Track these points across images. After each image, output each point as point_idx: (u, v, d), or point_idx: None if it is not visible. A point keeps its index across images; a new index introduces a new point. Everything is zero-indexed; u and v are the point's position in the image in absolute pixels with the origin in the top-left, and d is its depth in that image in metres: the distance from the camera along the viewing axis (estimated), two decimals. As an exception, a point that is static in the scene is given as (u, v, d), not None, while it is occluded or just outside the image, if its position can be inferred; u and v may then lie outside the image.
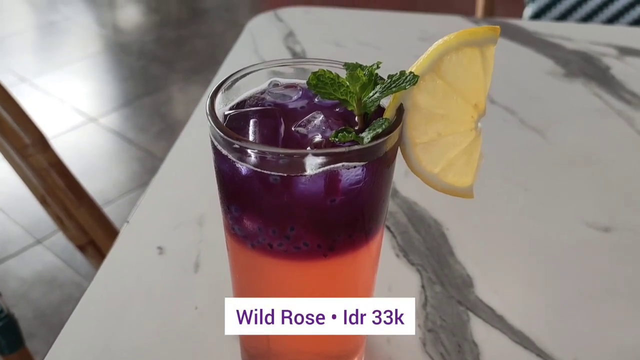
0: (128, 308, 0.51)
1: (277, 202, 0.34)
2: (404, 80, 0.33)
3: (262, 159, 0.32)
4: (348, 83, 0.34)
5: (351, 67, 0.35)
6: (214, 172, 0.37)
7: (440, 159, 0.36)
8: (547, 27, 0.95)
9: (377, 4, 2.94)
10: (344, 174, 0.33)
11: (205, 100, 0.44)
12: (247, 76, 0.38)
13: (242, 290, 0.41)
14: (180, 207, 0.61)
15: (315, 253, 0.36)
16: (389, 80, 0.34)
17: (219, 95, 0.36)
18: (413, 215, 0.60)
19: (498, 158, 0.68)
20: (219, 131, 0.33)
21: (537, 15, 1.28)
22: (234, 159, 0.33)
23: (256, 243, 0.36)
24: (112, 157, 2.28)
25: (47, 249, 1.93)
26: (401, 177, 0.64)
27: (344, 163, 0.32)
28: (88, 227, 0.92)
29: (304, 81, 0.38)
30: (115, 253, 0.56)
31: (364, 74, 0.34)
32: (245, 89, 0.38)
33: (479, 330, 0.49)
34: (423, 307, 0.51)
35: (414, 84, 0.33)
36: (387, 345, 0.48)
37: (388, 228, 0.59)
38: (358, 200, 0.35)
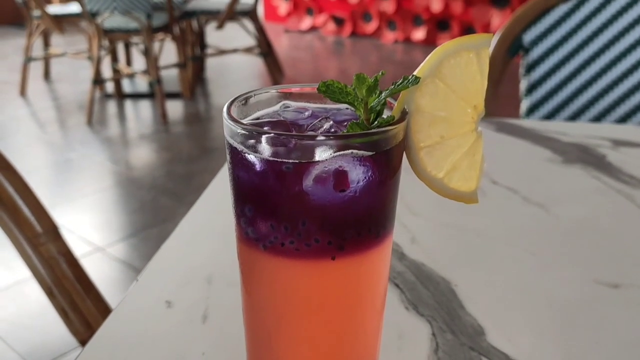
0: (134, 352, 0.50)
1: (290, 193, 0.35)
2: (407, 82, 0.36)
3: (275, 146, 0.34)
4: (355, 91, 0.37)
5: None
6: (229, 183, 0.39)
7: (445, 162, 0.38)
8: (542, 125, 1.00)
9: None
10: (353, 163, 0.35)
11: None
12: (260, 95, 0.41)
13: (252, 302, 0.40)
14: (189, 267, 0.61)
15: (326, 251, 0.36)
16: (393, 85, 0.37)
17: (235, 108, 0.39)
18: (421, 274, 0.60)
19: (502, 228, 0.69)
20: (236, 125, 0.35)
21: (533, 128, 1.34)
22: (249, 152, 0.35)
23: (268, 244, 0.37)
24: (117, 284, 2.27)
25: (44, 377, 1.87)
26: (408, 244, 0.65)
27: (352, 151, 0.34)
28: (93, 321, 0.91)
29: (313, 105, 0.41)
30: (123, 306, 0.56)
31: (370, 79, 0.37)
32: (259, 109, 0.41)
33: (493, 372, 0.48)
34: (435, 352, 0.50)
35: (416, 84, 0.36)
36: (399, 386, 0.47)
37: (397, 285, 0.59)
38: (366, 196, 0.36)
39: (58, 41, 5.30)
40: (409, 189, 0.78)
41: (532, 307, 0.56)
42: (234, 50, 4.20)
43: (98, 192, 2.92)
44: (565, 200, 0.76)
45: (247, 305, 0.41)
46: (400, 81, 0.36)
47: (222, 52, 4.23)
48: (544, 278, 0.60)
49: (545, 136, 0.93)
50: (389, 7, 5.31)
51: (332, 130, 0.37)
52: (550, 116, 1.38)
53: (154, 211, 2.77)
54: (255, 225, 0.37)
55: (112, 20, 3.52)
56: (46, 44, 4.40)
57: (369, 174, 0.35)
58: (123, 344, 0.51)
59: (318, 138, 0.34)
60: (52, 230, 0.88)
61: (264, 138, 0.34)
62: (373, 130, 0.34)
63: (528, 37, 1.35)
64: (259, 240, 0.37)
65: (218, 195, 0.76)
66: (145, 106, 4.01)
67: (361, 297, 0.39)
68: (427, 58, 0.37)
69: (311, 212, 0.36)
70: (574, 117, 1.37)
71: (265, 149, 0.35)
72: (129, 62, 4.34)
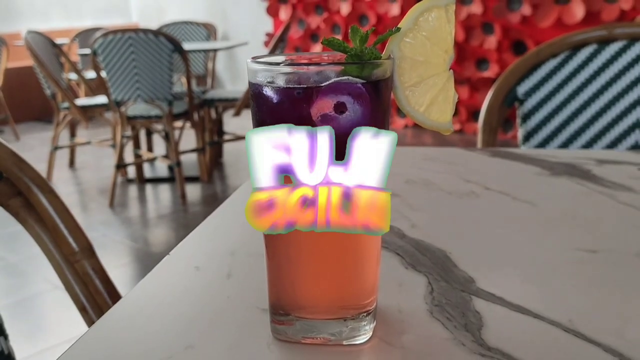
0: (169, 298, 0.57)
1: (300, 115, 0.44)
2: (391, 32, 0.46)
3: (288, 75, 0.44)
4: (351, 43, 0.47)
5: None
6: (252, 118, 0.48)
7: (424, 98, 0.47)
8: (533, 151, 1.09)
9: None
10: (349, 89, 0.44)
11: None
12: (275, 59, 0.51)
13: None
14: (214, 245, 0.70)
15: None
16: (381, 35, 0.47)
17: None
18: (419, 246, 0.68)
19: (493, 217, 0.77)
20: (259, 64, 0.45)
21: (532, 171, 1.42)
22: (268, 84, 0.45)
23: (283, 162, 0.46)
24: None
25: None
26: (408, 228, 0.73)
27: (349, 77, 0.44)
28: (121, 335, 0.97)
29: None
30: (157, 270, 0.64)
31: (363, 32, 0.47)
32: (275, 70, 0.51)
33: (481, 305, 0.55)
34: (430, 293, 0.57)
35: (397, 32, 0.46)
36: (398, 313, 0.54)
37: (397, 253, 0.66)
38: (360, 119, 0.45)
39: (83, 133, 5.56)
40: (410, 194, 0.86)
41: (519, 266, 0.63)
42: (250, 136, 4.38)
43: (118, 267, 3.00)
44: (552, 198, 0.83)
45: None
46: (387, 32, 0.46)
47: (238, 137, 4.42)
48: (530, 247, 0.68)
49: (536, 158, 1.02)
50: (398, 94, 5.54)
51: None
52: (547, 161, 1.47)
53: (172, 284, 2.83)
54: (273, 148, 0.46)
55: (135, 108, 3.73)
56: (72, 134, 4.63)
57: (362, 99, 0.45)
58: (159, 294, 0.59)
59: (322, 64, 0.43)
60: (88, 248, 0.97)
61: (280, 69, 0.44)
62: (364, 61, 0.44)
63: (522, 89, 1.47)
64: (276, 160, 0.46)
65: (241, 199, 0.85)
66: (165, 189, 4.15)
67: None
68: (406, 15, 0.47)
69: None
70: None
71: (280, 79, 0.44)
72: (150, 148, 4.53)
